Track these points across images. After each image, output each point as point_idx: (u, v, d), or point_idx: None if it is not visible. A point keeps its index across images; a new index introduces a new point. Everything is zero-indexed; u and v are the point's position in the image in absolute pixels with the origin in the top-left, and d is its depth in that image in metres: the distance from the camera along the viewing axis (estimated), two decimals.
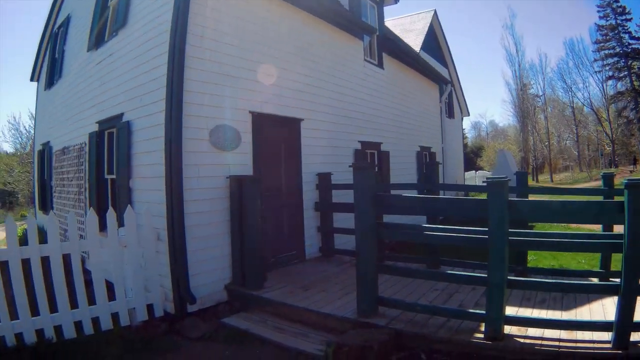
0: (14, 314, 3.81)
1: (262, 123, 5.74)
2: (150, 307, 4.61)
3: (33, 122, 19.90)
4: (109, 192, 6.22)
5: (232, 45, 5.29)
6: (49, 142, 9.20)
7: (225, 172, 5.19)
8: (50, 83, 9.52)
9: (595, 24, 37.28)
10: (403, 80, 10.55)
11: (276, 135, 6.08)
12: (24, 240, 4.25)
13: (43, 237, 4.16)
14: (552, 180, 34.93)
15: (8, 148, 25.14)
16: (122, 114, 5.55)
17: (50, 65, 9.58)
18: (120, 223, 4.69)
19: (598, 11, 36.14)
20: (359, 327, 3.72)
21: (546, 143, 36.40)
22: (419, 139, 11.36)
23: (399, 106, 10.07)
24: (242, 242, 4.97)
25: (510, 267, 3.97)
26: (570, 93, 37.18)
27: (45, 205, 9.93)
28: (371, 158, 8.68)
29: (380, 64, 9.24)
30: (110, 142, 6.13)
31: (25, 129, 20.05)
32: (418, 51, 13.32)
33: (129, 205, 4.83)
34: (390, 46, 9.78)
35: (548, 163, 37.88)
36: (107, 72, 6.09)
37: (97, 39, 6.53)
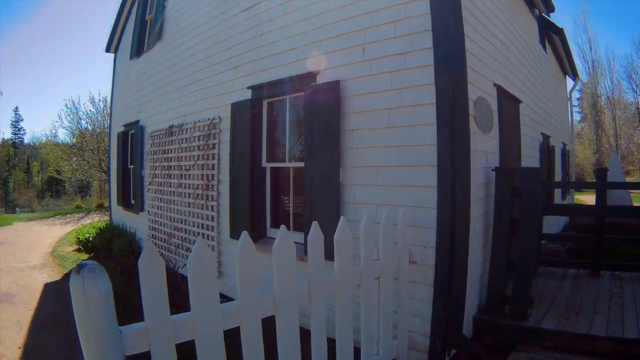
0: None
1: (503, 101, 4.03)
2: None
3: (100, 103, 18.41)
4: (267, 186, 4.54)
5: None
6: (138, 121, 7.56)
7: (483, 162, 3.46)
8: (138, 50, 7.90)
9: None
10: (552, 68, 8.75)
11: (508, 118, 4.33)
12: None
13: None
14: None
15: (63, 135, 23.93)
16: (316, 72, 3.84)
17: (139, 29, 7.95)
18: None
19: None
20: None
21: (614, 145, 34.11)
22: (561, 134, 9.55)
23: (552, 97, 8.28)
24: (507, 258, 3.35)
25: None
26: (637, 92, 34.65)
27: (128, 200, 8.31)
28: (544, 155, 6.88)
29: (544, 47, 7.49)
30: (279, 113, 4.46)
31: (87, 114, 18.35)
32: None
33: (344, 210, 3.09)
34: (548, 27, 8.00)
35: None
36: (277, 17, 4.34)
37: None
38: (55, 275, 6.34)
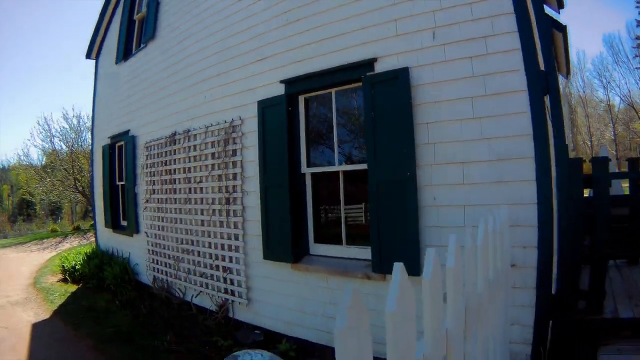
0: None
1: None
2: None
3: (74, 119, 17.85)
4: (308, 195, 3.89)
5: None
6: (127, 131, 6.72)
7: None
8: (126, 53, 7.08)
9: (636, 19, 36.30)
10: None
11: None
12: None
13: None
14: None
15: (36, 154, 22.59)
16: (373, 60, 3.27)
17: (126, 30, 7.14)
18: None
19: (637, 6, 35.34)
20: None
21: (588, 142, 35.38)
22: None
23: None
24: (582, 252, 2.96)
25: None
26: (607, 90, 36.19)
27: (118, 221, 7.37)
28: None
29: None
30: (321, 110, 3.85)
31: (58, 130, 17.25)
32: None
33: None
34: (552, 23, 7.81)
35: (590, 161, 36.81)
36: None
37: None
38: (42, 313, 5.37)
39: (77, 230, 16.80)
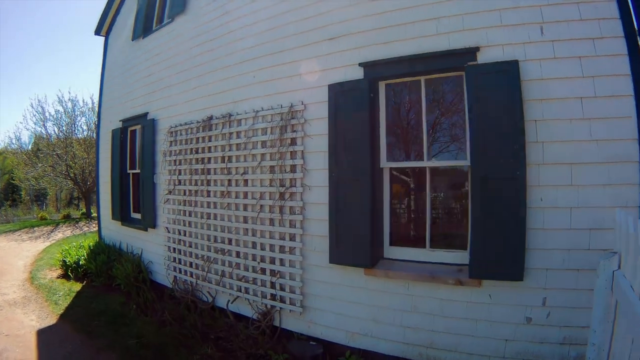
0: None
1: None
2: None
3: (69, 102, 17.83)
4: (386, 193, 3.39)
5: None
6: (146, 114, 6.05)
7: None
8: (146, 28, 6.40)
9: None
10: None
11: None
12: None
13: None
14: None
15: (27, 137, 21.62)
16: (475, 49, 2.82)
17: (146, 4, 6.47)
18: None
19: None
20: None
21: None
22: None
23: None
24: None
25: None
26: None
27: (128, 213, 6.67)
28: None
29: None
30: (405, 99, 3.38)
31: (52, 114, 16.72)
32: None
33: None
34: None
35: None
36: None
37: None
38: (47, 317, 4.67)
39: (67, 218, 15.90)
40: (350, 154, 3.38)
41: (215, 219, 4.68)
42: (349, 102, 3.41)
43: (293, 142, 3.89)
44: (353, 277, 3.42)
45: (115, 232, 6.98)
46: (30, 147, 16.82)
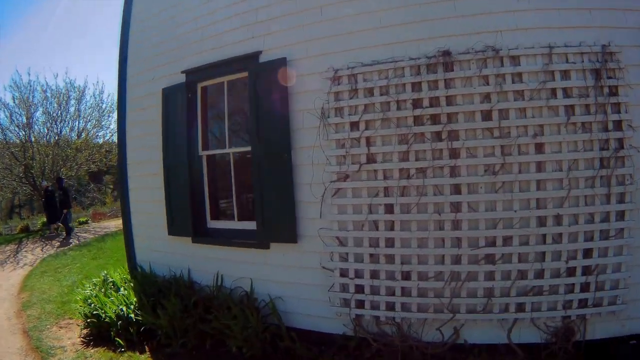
0: None
1: None
2: None
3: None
4: None
5: None
6: (257, 54, 3.60)
7: None
8: None
9: None
10: None
11: None
12: None
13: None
14: None
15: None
16: None
17: None
18: None
19: None
20: None
21: None
22: None
23: None
24: None
25: None
26: None
27: (203, 222, 4.02)
28: None
29: None
30: None
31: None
32: None
33: None
34: None
35: None
36: None
37: None
38: None
39: (25, 231, 12.60)
40: None
41: (468, 210, 2.92)
42: None
43: (613, 91, 2.75)
44: None
45: (172, 254, 4.19)
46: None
